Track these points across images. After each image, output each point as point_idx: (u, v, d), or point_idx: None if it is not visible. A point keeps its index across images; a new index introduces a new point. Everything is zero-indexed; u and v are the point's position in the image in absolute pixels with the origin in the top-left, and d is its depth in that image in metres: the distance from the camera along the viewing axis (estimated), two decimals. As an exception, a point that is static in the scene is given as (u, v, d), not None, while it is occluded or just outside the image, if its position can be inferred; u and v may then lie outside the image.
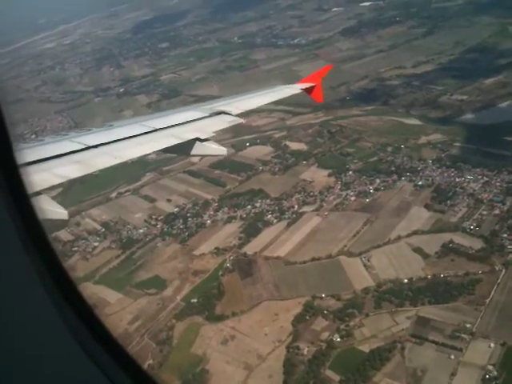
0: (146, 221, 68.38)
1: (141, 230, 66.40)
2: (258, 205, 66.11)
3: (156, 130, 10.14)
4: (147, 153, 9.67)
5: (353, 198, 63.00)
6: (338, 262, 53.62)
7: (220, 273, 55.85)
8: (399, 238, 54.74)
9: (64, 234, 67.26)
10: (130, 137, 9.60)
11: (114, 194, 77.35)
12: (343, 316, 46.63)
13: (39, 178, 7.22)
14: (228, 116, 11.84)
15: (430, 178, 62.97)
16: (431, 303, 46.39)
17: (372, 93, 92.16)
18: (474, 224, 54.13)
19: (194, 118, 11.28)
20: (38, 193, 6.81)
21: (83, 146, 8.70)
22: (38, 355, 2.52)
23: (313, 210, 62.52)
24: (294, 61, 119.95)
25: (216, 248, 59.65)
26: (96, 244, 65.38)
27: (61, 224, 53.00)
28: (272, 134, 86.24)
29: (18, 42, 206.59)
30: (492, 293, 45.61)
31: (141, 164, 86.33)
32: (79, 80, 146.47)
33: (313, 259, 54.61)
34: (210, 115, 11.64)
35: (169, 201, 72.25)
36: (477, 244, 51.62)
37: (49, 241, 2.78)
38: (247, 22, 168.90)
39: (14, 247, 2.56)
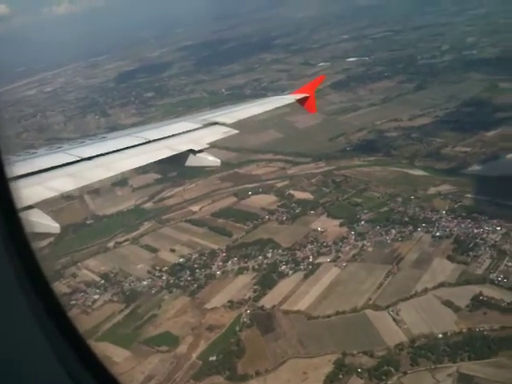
0: (149, 272, 64.42)
1: (145, 282, 62.37)
2: (269, 255, 63.13)
3: (150, 142, 9.97)
4: (141, 164, 9.42)
5: (370, 249, 60.84)
6: (364, 316, 50.83)
7: (237, 328, 52.22)
8: (426, 290, 52.47)
9: (60, 287, 62.77)
10: (124, 148, 9.44)
11: (111, 244, 73.20)
12: (380, 374, 43.51)
13: (32, 192, 7.00)
14: (222, 127, 11.71)
15: (448, 229, 61.44)
16: (471, 359, 43.74)
17: (372, 144, 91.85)
18: (501, 276, 52.40)
19: (188, 130, 11.11)
20: (30, 206, 6.63)
21: (77, 159, 8.54)
22: (20, 365, 2.50)
23: (330, 261, 59.92)
24: (287, 112, 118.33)
25: (230, 301, 56.22)
26: (96, 297, 60.91)
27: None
28: (274, 183, 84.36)
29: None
30: (534, 347, 43.45)
31: (137, 212, 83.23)
32: (63, 127, 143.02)
33: (337, 313, 51.72)
34: (204, 126, 11.48)
35: (172, 251, 68.57)
36: (507, 296, 49.63)
37: (34, 254, 2.74)
38: (233, 74, 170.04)
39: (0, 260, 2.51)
